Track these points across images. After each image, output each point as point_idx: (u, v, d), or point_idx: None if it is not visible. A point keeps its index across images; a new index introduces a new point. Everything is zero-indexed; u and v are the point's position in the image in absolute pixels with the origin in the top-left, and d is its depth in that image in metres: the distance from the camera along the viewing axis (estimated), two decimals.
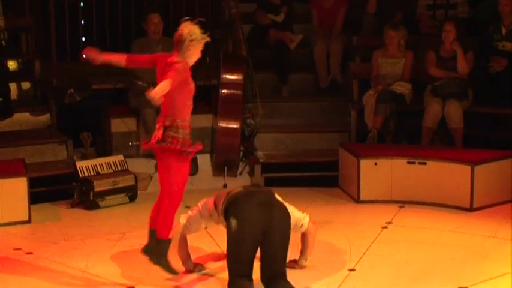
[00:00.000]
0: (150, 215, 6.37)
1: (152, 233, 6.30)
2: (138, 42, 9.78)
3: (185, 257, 6.58)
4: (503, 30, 9.49)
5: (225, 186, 7.89)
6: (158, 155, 6.19)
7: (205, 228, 6.67)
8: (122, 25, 11.70)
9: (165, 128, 6.02)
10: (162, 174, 6.24)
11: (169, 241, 6.23)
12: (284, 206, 6.11)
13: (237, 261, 5.89)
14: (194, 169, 9.12)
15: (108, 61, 6.30)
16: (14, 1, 11.19)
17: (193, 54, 6.09)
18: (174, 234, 6.46)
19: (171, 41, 8.08)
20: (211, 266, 6.72)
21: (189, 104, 6.15)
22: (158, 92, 5.75)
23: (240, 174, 8.28)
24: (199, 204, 6.48)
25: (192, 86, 6.09)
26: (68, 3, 11.33)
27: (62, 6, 11.21)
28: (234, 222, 5.86)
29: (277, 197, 6.26)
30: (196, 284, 6.42)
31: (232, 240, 5.90)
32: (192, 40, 6.00)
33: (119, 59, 6.35)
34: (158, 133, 6.03)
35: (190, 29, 6.03)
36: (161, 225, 6.17)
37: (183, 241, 6.52)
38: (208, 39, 6.08)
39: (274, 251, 5.90)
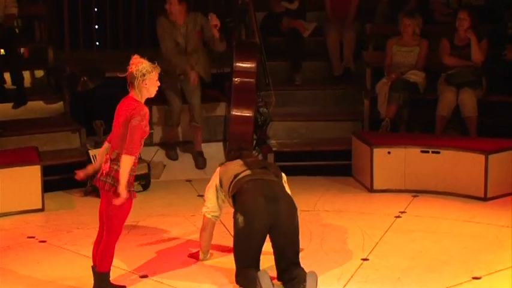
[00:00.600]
0: (92, 252, 6.13)
1: (94, 269, 6.08)
2: (162, 24, 9.45)
3: (205, 248, 6.60)
4: None
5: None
6: (101, 190, 5.93)
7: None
8: (135, 13, 11.69)
9: (111, 161, 5.83)
10: (102, 208, 6.00)
11: (108, 274, 6.00)
12: (290, 198, 6.07)
13: (244, 254, 5.93)
14: (202, 163, 9.10)
15: (99, 162, 6.17)
16: None
17: (151, 87, 5.92)
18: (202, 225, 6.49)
19: (195, 16, 9.13)
20: (221, 256, 6.69)
21: (141, 143, 5.93)
22: (123, 188, 5.69)
23: None
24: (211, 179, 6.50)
25: (147, 129, 5.91)
26: None
27: None
28: (240, 218, 5.87)
29: (284, 181, 6.29)
30: (205, 274, 6.39)
31: (239, 235, 5.92)
32: (143, 75, 5.84)
33: (104, 149, 6.11)
34: (105, 166, 5.86)
35: (137, 65, 5.86)
36: (101, 258, 5.94)
37: (209, 231, 6.52)
38: (159, 69, 5.94)
39: (283, 245, 5.91)
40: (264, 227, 5.86)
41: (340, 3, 10.78)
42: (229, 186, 6.17)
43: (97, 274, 5.96)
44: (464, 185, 8.44)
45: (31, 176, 8.04)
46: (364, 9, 10.81)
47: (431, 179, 8.57)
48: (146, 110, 5.85)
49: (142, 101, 5.90)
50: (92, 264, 6.06)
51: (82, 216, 7.88)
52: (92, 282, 5.97)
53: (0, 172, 7.90)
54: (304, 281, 5.76)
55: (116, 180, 5.72)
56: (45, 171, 8.19)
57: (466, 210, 8.05)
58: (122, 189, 5.67)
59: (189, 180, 8.99)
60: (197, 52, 9.30)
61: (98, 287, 5.97)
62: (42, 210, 8.05)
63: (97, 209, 7.82)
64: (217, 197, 6.42)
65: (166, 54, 9.22)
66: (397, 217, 7.85)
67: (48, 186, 8.26)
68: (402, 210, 8.04)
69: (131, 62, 5.90)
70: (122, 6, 11.63)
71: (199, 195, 8.24)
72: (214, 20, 9.04)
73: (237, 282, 5.98)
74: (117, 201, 5.67)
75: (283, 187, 6.22)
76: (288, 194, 6.13)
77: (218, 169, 6.48)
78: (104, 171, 5.82)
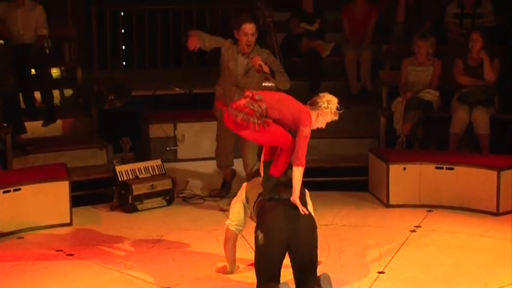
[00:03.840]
0: (265, 150, 6.26)
1: (267, 165, 6.14)
2: (228, 48, 8.17)
3: (231, 260, 6.56)
4: None
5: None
6: (226, 115, 5.94)
7: (249, 216, 6.46)
8: (160, 34, 11.74)
9: (251, 99, 5.83)
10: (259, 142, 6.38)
11: (275, 177, 6.07)
12: (311, 216, 6.00)
13: (265, 269, 5.88)
14: (226, 192, 8.93)
15: None
16: (57, 11, 11.26)
17: (321, 122, 6.13)
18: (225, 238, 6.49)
19: (261, 51, 8.10)
20: (247, 270, 6.65)
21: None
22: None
23: None
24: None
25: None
26: (109, 11, 11.38)
27: (103, 15, 11.26)
28: (260, 236, 5.82)
29: (307, 196, 6.21)
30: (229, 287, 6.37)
31: (260, 252, 5.89)
32: (326, 108, 6.04)
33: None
34: (242, 100, 5.87)
35: (331, 99, 6.09)
36: (277, 166, 6.03)
37: (232, 243, 6.46)
38: (336, 118, 6.13)
39: (301, 262, 5.87)
40: (283, 245, 5.82)
41: (358, 24, 10.79)
42: (254, 204, 6.14)
43: (268, 176, 6.05)
44: (477, 201, 8.38)
45: (60, 191, 8.03)
46: (381, 31, 10.80)
47: (446, 195, 8.52)
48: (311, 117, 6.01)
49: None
50: None
51: (108, 231, 7.85)
52: None
53: (30, 188, 7.89)
54: (318, 285, 5.75)
55: (249, 115, 5.74)
56: (73, 187, 8.18)
57: (479, 225, 7.99)
58: (295, 198, 5.85)
59: (211, 196, 8.95)
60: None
61: (266, 186, 6.06)
62: (70, 224, 8.04)
63: (122, 223, 7.91)
64: (245, 212, 6.37)
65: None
66: (412, 231, 7.79)
67: (76, 201, 8.24)
68: (417, 225, 7.98)
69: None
70: (148, 28, 11.69)
71: (221, 210, 8.23)
72: (255, 61, 7.88)
73: None
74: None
75: (306, 204, 6.14)
76: (309, 212, 6.05)
77: (245, 185, 6.44)
78: (240, 104, 5.85)
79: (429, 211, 8.43)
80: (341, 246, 7.31)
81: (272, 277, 5.85)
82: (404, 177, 8.64)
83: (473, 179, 8.43)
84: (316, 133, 9.92)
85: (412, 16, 10.50)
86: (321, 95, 6.10)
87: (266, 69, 7.79)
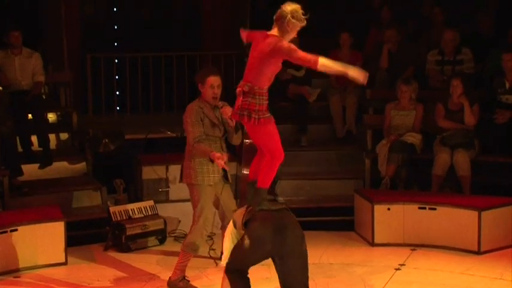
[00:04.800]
0: (251, 169, 6.13)
1: (252, 184, 6.01)
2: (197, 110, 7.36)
3: None
4: (507, 85, 9.46)
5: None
6: (241, 121, 5.93)
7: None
8: (152, 81, 11.81)
9: (244, 94, 5.75)
10: (253, 139, 6.00)
11: (266, 189, 5.93)
12: (298, 228, 5.85)
13: (237, 265, 5.81)
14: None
15: None
16: (54, 58, 11.34)
17: (291, 32, 5.76)
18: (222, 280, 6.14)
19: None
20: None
21: (271, 78, 5.85)
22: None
23: None
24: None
25: (280, 65, 5.82)
26: (104, 59, 11.46)
27: (98, 62, 11.33)
28: (247, 241, 5.72)
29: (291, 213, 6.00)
30: None
31: (242, 253, 5.76)
32: (293, 17, 5.71)
33: None
34: (238, 101, 5.80)
35: (293, 8, 5.74)
36: (263, 176, 5.89)
37: None
38: (305, 23, 5.77)
39: (287, 273, 5.73)
40: (266, 254, 5.74)
41: None
42: (243, 218, 5.98)
43: (257, 189, 5.90)
44: (459, 240, 8.41)
45: (55, 231, 8.03)
46: None
47: (429, 234, 8.55)
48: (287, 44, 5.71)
49: None
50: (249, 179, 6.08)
51: (102, 270, 7.86)
52: None
53: (27, 228, 7.89)
54: None
55: (250, 111, 5.69)
56: (69, 227, 8.17)
57: (461, 263, 8.01)
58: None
59: None
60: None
61: (255, 200, 5.88)
62: (65, 264, 8.03)
63: (116, 263, 7.87)
64: (233, 242, 6.12)
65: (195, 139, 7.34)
66: (396, 269, 7.81)
67: (71, 241, 8.24)
68: (401, 263, 8.00)
69: (286, 3, 5.77)
70: (141, 74, 11.77)
71: (212, 249, 8.23)
72: (226, 113, 7.25)
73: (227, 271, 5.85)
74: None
75: (293, 217, 5.95)
76: (297, 223, 5.88)
77: (230, 223, 6.25)
78: (238, 106, 5.77)
79: (413, 250, 8.45)
80: (328, 283, 7.33)
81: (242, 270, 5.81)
82: (389, 217, 8.67)
83: (455, 219, 8.46)
84: (304, 175, 10.08)
85: (395, 63, 10.57)
86: (282, 7, 5.78)
87: (232, 123, 7.31)
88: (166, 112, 11.85)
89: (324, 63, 5.67)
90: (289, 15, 5.70)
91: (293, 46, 5.67)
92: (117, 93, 12.09)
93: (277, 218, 5.83)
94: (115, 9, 13.10)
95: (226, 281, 5.89)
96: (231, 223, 6.21)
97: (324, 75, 11.03)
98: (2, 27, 10.00)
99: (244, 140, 7.88)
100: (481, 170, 9.29)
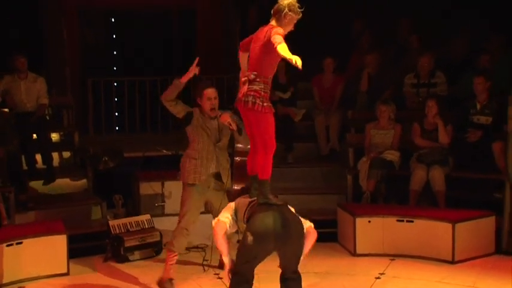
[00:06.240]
0: (247, 165, 5.97)
1: (254, 178, 5.91)
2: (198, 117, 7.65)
3: (226, 251, 5.94)
4: (478, 106, 9.49)
5: (238, 241, 7.80)
6: (243, 112, 5.76)
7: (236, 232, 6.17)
8: (149, 102, 11.82)
9: (249, 82, 5.64)
10: (251, 129, 5.84)
11: (268, 180, 5.82)
12: (299, 222, 5.79)
13: (243, 263, 5.70)
14: None
15: None
16: (57, 82, 11.33)
17: (288, 25, 5.69)
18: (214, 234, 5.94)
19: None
20: None
21: (274, 66, 5.73)
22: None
23: None
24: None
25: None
26: (103, 82, 11.46)
27: (98, 85, 11.35)
28: (250, 238, 5.57)
29: (291, 208, 5.92)
30: None
31: (246, 250, 5.63)
32: (290, 10, 5.66)
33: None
34: (244, 88, 5.65)
35: (290, 1, 5.69)
36: (262, 169, 5.79)
37: (221, 235, 5.94)
38: (301, 16, 5.70)
39: (288, 260, 5.74)
40: (270, 250, 5.64)
41: (326, 93, 10.89)
42: (245, 212, 5.87)
43: (260, 181, 5.80)
44: (435, 250, 8.42)
45: (58, 244, 8.00)
46: (347, 98, 10.91)
47: (407, 245, 8.55)
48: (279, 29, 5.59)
49: None
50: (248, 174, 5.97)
51: (102, 280, 7.83)
52: None
53: (31, 241, 7.87)
54: None
55: (256, 97, 5.58)
56: (70, 240, 8.14)
57: (437, 272, 8.01)
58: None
59: (195, 247, 8.93)
60: (224, 153, 7.80)
61: (261, 191, 5.78)
62: (67, 274, 7.99)
63: (115, 273, 7.83)
64: (232, 220, 5.95)
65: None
66: (377, 278, 7.81)
67: (72, 253, 8.21)
68: (382, 272, 8.00)
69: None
70: (138, 96, 11.77)
71: (205, 260, 8.20)
72: (225, 119, 7.36)
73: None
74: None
75: (294, 213, 5.91)
76: (297, 217, 5.82)
77: (232, 204, 6.08)
78: (242, 93, 5.65)
79: (392, 259, 8.44)
80: None
81: (247, 273, 5.71)
82: (370, 229, 8.67)
83: (431, 231, 8.46)
84: (290, 190, 10.06)
85: (375, 85, 10.59)
86: (279, 1, 5.73)
87: (234, 126, 7.38)
88: (162, 132, 11.86)
89: (282, 49, 5.39)
90: (286, 9, 5.67)
91: (280, 31, 5.54)
92: (116, 114, 12.09)
93: (279, 214, 5.69)
94: (114, 36, 13.11)
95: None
96: (231, 208, 6.02)
97: (309, 97, 11.18)
98: (9, 54, 10.00)
99: (235, 158, 7.86)
100: (454, 185, 9.29)
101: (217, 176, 7.62)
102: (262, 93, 5.66)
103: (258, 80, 5.65)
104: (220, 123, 7.55)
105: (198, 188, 7.50)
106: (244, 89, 5.69)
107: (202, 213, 8.84)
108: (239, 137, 7.46)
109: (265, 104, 5.66)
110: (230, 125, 7.36)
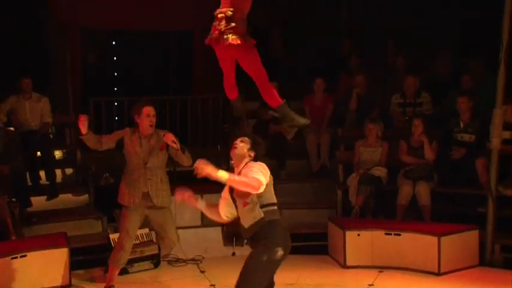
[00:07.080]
0: (269, 102, 5.72)
1: (277, 108, 5.73)
2: (129, 138, 7.67)
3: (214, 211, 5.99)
4: (461, 124, 9.53)
5: (233, 254, 7.80)
6: (219, 50, 5.41)
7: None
8: None
9: (226, 19, 5.31)
10: (225, 64, 5.55)
11: (283, 103, 5.69)
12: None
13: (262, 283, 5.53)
14: None
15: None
16: (60, 102, 11.34)
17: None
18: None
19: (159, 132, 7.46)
20: None
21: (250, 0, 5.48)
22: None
23: (246, 243, 8.20)
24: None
25: None
26: (104, 102, 11.46)
27: (99, 105, 11.34)
28: (280, 253, 5.39)
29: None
30: None
31: (267, 266, 5.43)
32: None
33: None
34: (220, 25, 5.32)
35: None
36: (269, 97, 5.61)
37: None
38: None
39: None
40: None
41: (317, 112, 10.89)
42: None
43: (279, 107, 5.67)
44: (421, 262, 8.43)
45: (60, 257, 7.98)
46: (336, 117, 10.93)
47: (394, 257, 8.55)
48: None
49: None
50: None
51: None
52: None
53: (35, 254, 7.85)
54: None
55: (237, 34, 5.27)
56: (72, 253, 8.14)
57: (424, 283, 8.02)
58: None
59: (192, 259, 8.91)
60: (157, 172, 7.60)
61: (284, 116, 5.71)
62: (69, 286, 7.99)
63: (115, 284, 7.78)
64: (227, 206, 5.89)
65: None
66: None
67: (74, 265, 8.20)
68: (371, 283, 8.00)
69: None
70: None
71: (201, 271, 8.19)
72: (169, 138, 7.37)
73: None
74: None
75: None
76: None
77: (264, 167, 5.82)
78: (217, 31, 5.33)
79: (380, 271, 8.45)
80: None
81: None
82: (359, 242, 8.67)
83: (418, 244, 8.48)
84: (283, 205, 10.01)
85: (363, 105, 10.62)
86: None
87: (177, 145, 7.31)
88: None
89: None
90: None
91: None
92: None
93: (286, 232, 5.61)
94: (115, 58, 13.14)
95: None
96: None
97: (300, 115, 11.15)
98: (14, 75, 10.03)
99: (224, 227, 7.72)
100: (439, 199, 9.32)
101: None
102: (242, 30, 5.41)
103: (235, 16, 5.37)
104: (155, 142, 7.48)
105: (135, 208, 7.52)
106: (221, 26, 5.36)
107: (196, 227, 8.94)
108: (182, 156, 7.42)
109: (250, 40, 5.42)
110: (174, 143, 7.26)
